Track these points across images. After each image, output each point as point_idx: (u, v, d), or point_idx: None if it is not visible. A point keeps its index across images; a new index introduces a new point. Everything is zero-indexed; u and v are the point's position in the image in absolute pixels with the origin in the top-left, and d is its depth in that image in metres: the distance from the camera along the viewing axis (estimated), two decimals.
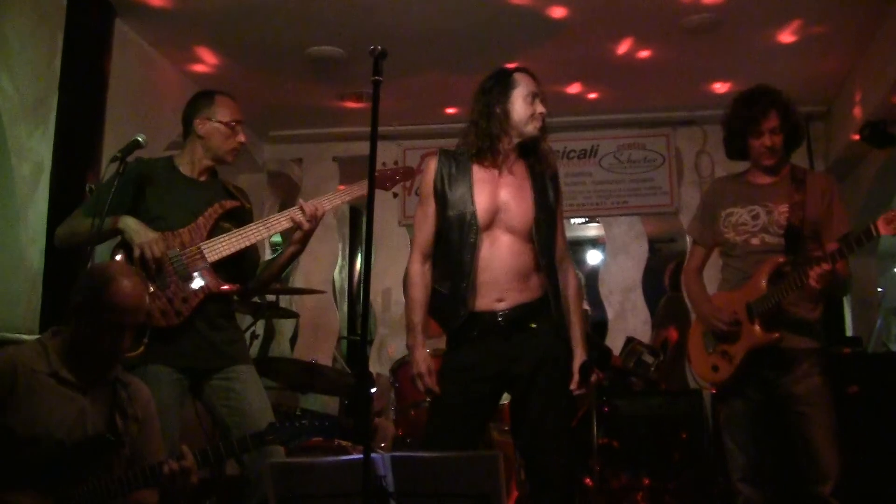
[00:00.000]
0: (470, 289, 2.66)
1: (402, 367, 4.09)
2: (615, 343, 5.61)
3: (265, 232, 2.94)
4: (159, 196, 2.91)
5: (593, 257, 9.14)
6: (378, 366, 6.09)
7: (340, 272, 7.35)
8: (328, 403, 5.85)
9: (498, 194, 2.72)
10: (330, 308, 6.56)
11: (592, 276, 7.01)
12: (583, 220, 7.74)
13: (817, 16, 4.47)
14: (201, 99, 3.04)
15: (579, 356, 2.74)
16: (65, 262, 3.46)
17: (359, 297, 7.58)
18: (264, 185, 6.63)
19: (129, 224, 2.78)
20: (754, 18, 4.50)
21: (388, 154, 5.88)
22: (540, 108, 2.74)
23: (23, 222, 3.66)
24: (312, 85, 5.39)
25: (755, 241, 3.08)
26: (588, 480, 4.30)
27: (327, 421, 2.52)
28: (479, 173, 2.75)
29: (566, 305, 2.78)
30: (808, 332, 3.00)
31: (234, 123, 3.00)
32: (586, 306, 5.49)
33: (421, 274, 2.78)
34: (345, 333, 6.99)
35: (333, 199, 3.04)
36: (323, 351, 6.23)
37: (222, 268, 2.89)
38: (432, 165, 2.79)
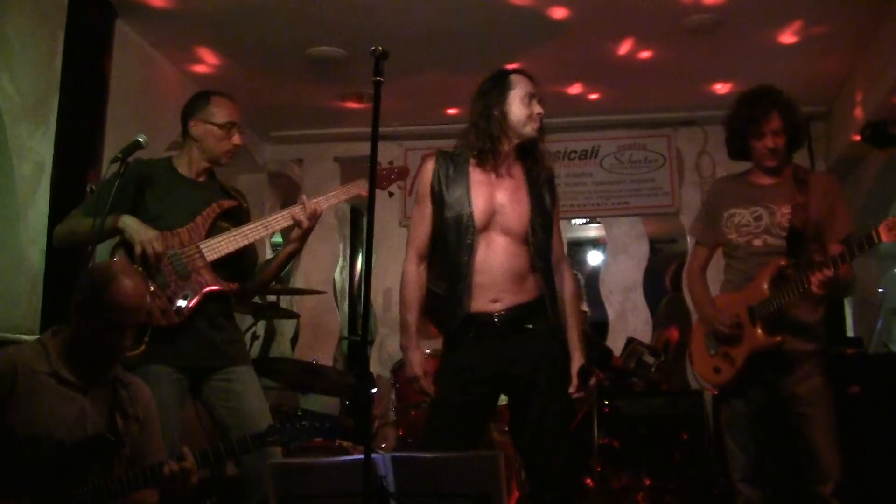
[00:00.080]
0: (466, 290, 2.67)
1: (402, 368, 4.08)
2: (616, 343, 5.61)
3: (264, 231, 2.95)
4: (158, 196, 2.91)
5: (594, 258, 9.13)
6: (378, 366, 6.10)
7: (341, 272, 7.35)
8: (328, 403, 5.85)
9: (495, 196, 2.73)
10: (330, 308, 6.56)
11: (593, 276, 7.00)
12: (583, 220, 7.73)
13: (818, 16, 4.46)
14: (197, 100, 3.04)
15: (577, 360, 2.74)
16: (65, 262, 3.47)
17: (359, 298, 7.58)
18: (265, 185, 6.62)
19: (129, 223, 2.79)
20: (755, 19, 4.50)
21: (389, 154, 5.86)
22: (537, 109, 2.74)
23: (23, 222, 3.66)
24: (313, 85, 5.39)
25: (758, 242, 3.08)
26: (589, 481, 4.30)
27: (328, 422, 2.52)
28: (476, 175, 2.76)
29: (563, 308, 2.79)
30: (810, 334, 3.00)
31: (229, 125, 3.00)
32: (585, 307, 5.49)
33: (416, 274, 2.79)
34: (345, 334, 6.98)
35: (331, 199, 3.05)
36: (324, 351, 6.23)
37: (221, 267, 2.90)
38: (430, 166, 2.80)
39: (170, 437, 2.65)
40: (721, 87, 5.48)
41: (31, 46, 3.72)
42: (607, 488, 4.52)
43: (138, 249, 2.74)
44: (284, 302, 6.29)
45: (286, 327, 6.58)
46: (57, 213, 3.60)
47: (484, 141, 2.73)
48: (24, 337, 3.31)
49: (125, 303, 2.34)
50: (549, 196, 2.81)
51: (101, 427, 2.35)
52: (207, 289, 2.83)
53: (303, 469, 2.15)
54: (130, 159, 2.79)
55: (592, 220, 7.40)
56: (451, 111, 5.81)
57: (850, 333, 5.66)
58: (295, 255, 3.08)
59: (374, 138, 2.19)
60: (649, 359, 4.92)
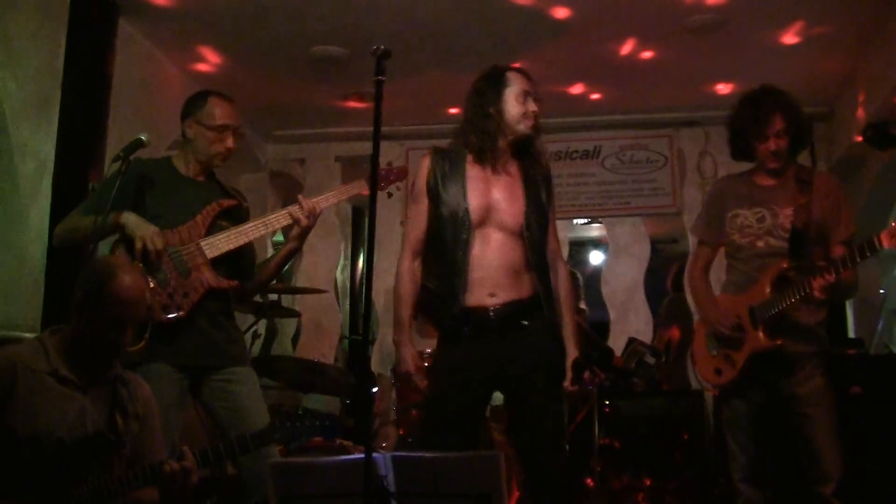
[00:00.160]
0: (462, 285, 2.67)
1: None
2: (617, 343, 5.61)
3: (263, 229, 2.96)
4: (158, 195, 2.91)
5: (595, 258, 9.13)
6: (379, 365, 6.09)
7: (342, 272, 7.35)
8: (329, 403, 5.85)
9: (490, 192, 2.74)
10: (332, 307, 6.56)
11: (594, 276, 7.01)
12: (585, 220, 7.73)
13: (820, 17, 4.46)
14: (195, 100, 3.04)
15: (571, 353, 2.75)
16: (67, 260, 3.46)
17: (361, 297, 7.58)
18: (267, 184, 6.62)
19: (130, 219, 2.79)
20: (757, 19, 4.50)
21: (390, 154, 5.86)
22: (532, 107, 2.75)
23: (26, 220, 3.66)
24: (315, 84, 5.39)
25: (760, 243, 3.08)
26: (589, 481, 4.30)
27: (328, 421, 2.52)
28: (472, 171, 2.76)
29: (558, 304, 2.79)
30: (811, 335, 3.00)
31: (222, 128, 2.98)
32: (583, 306, 5.50)
33: (410, 270, 2.80)
34: (347, 333, 6.98)
35: (330, 198, 3.06)
36: (325, 350, 6.23)
37: (220, 265, 2.90)
38: (426, 164, 2.81)
39: (170, 437, 2.65)
40: (723, 88, 5.47)
41: (33, 45, 3.72)
42: (608, 488, 4.52)
43: (139, 245, 2.74)
44: (286, 301, 6.28)
45: (287, 326, 6.58)
46: (59, 211, 3.60)
47: (480, 138, 2.74)
48: (26, 335, 3.31)
49: (125, 297, 2.33)
50: (545, 193, 2.81)
51: (102, 426, 2.34)
52: (207, 286, 2.83)
53: (303, 468, 2.15)
54: (131, 158, 2.79)
55: (594, 220, 7.40)
56: (453, 111, 5.79)
57: (851, 334, 5.66)
58: (294, 253, 3.09)
59: (376, 138, 2.19)
60: (650, 359, 4.93)
